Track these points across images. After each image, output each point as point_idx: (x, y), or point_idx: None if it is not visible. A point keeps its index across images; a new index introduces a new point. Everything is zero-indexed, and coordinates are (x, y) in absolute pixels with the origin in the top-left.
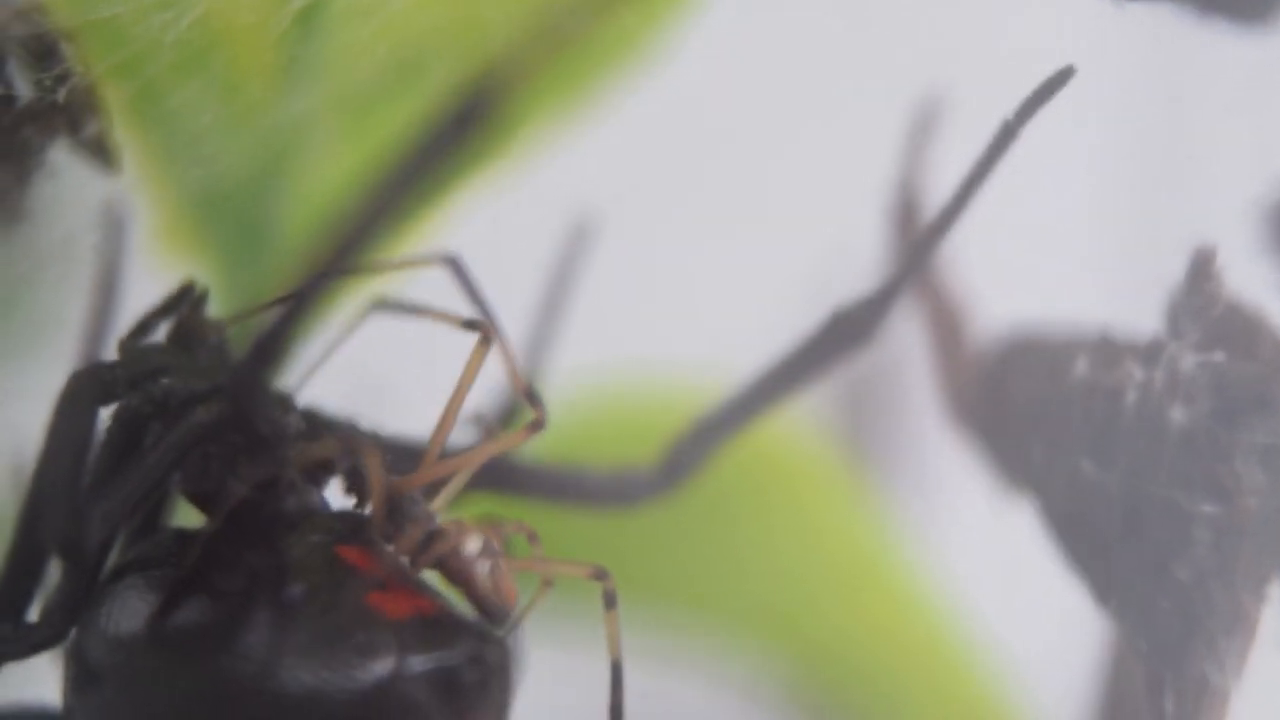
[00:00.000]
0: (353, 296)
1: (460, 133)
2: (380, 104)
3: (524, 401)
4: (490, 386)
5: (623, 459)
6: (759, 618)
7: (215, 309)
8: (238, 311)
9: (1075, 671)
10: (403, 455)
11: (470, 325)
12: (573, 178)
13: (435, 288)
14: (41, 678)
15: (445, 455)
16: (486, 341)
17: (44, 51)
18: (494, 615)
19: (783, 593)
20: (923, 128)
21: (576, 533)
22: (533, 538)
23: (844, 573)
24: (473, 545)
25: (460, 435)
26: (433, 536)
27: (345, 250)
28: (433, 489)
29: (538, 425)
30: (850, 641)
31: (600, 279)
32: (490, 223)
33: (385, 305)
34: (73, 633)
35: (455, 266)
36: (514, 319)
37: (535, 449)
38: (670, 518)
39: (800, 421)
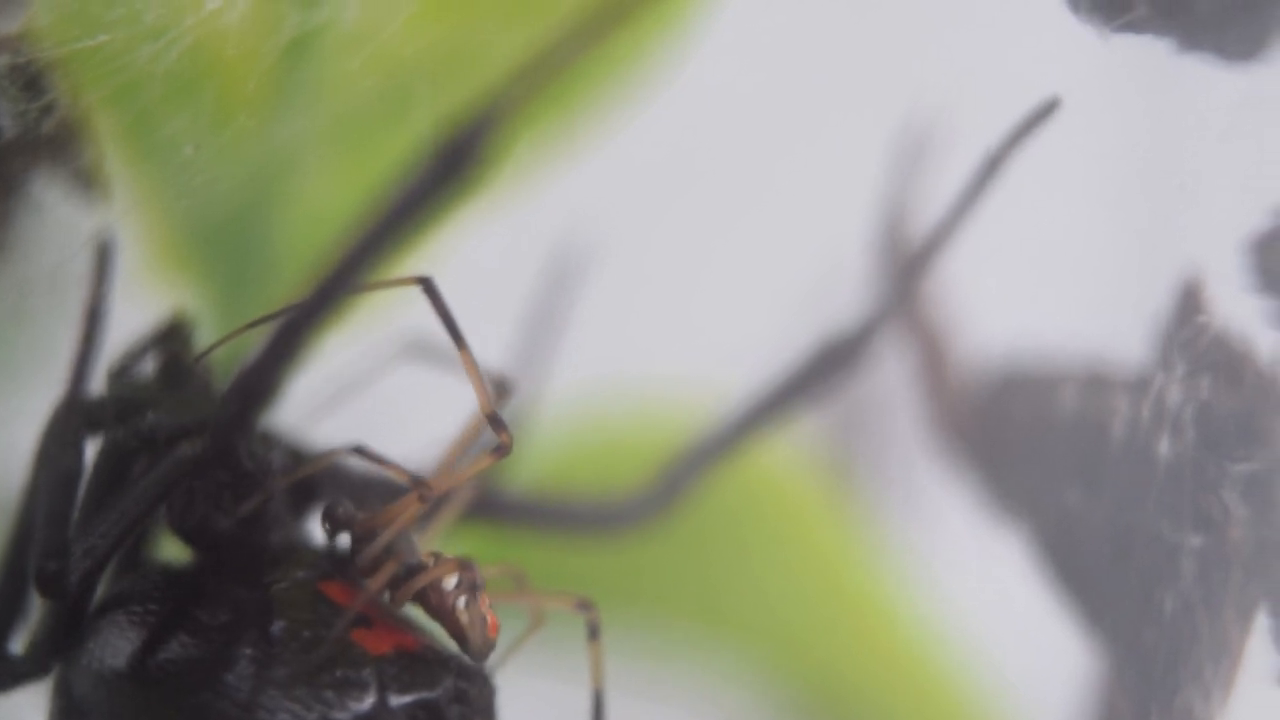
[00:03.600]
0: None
1: (454, 164)
2: (370, 134)
3: (488, 425)
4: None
5: (612, 481)
6: (748, 642)
7: (206, 338)
8: (218, 337)
9: (1063, 699)
10: (386, 492)
11: (490, 382)
12: (563, 201)
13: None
14: (24, 713)
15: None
16: (502, 451)
17: (29, 82)
18: (474, 649)
19: (772, 618)
20: (911, 155)
21: (566, 559)
22: (519, 580)
23: (833, 599)
24: (450, 579)
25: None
26: (412, 570)
27: (337, 280)
28: (421, 523)
29: (503, 450)
30: (839, 668)
31: (590, 302)
32: (481, 246)
33: (418, 350)
34: (57, 668)
35: (429, 286)
36: (504, 342)
37: (527, 471)
38: (660, 544)
39: (790, 448)
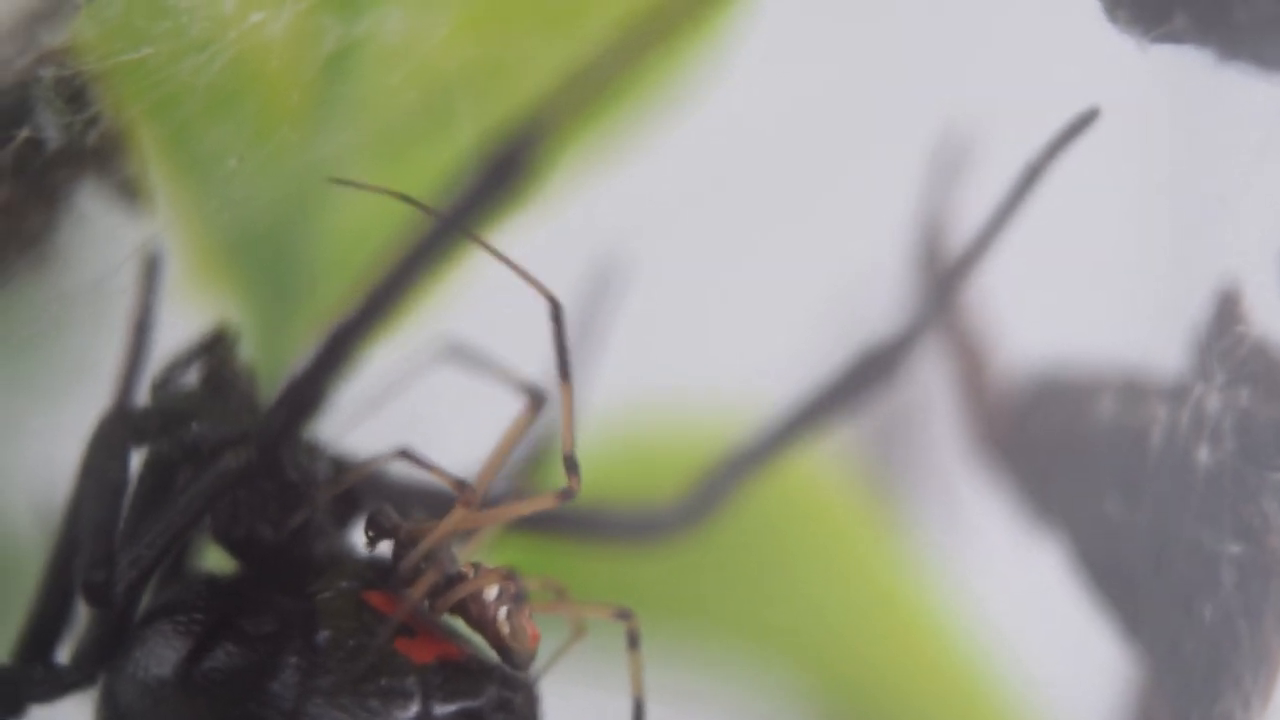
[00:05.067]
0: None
1: (502, 176)
2: (410, 147)
3: (562, 464)
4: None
5: (651, 491)
6: (786, 652)
7: (247, 350)
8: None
9: (1102, 708)
10: (429, 502)
11: (526, 390)
12: (601, 215)
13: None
14: None
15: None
16: (536, 407)
17: (74, 94)
18: (515, 659)
19: (810, 627)
20: (948, 166)
21: (605, 568)
22: (560, 593)
23: (871, 608)
24: (490, 590)
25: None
26: (452, 580)
27: (384, 291)
28: (465, 534)
29: (569, 494)
30: (877, 677)
31: (629, 314)
32: (519, 259)
33: (455, 352)
34: (103, 677)
35: (556, 310)
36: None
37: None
38: (699, 554)
39: (827, 458)
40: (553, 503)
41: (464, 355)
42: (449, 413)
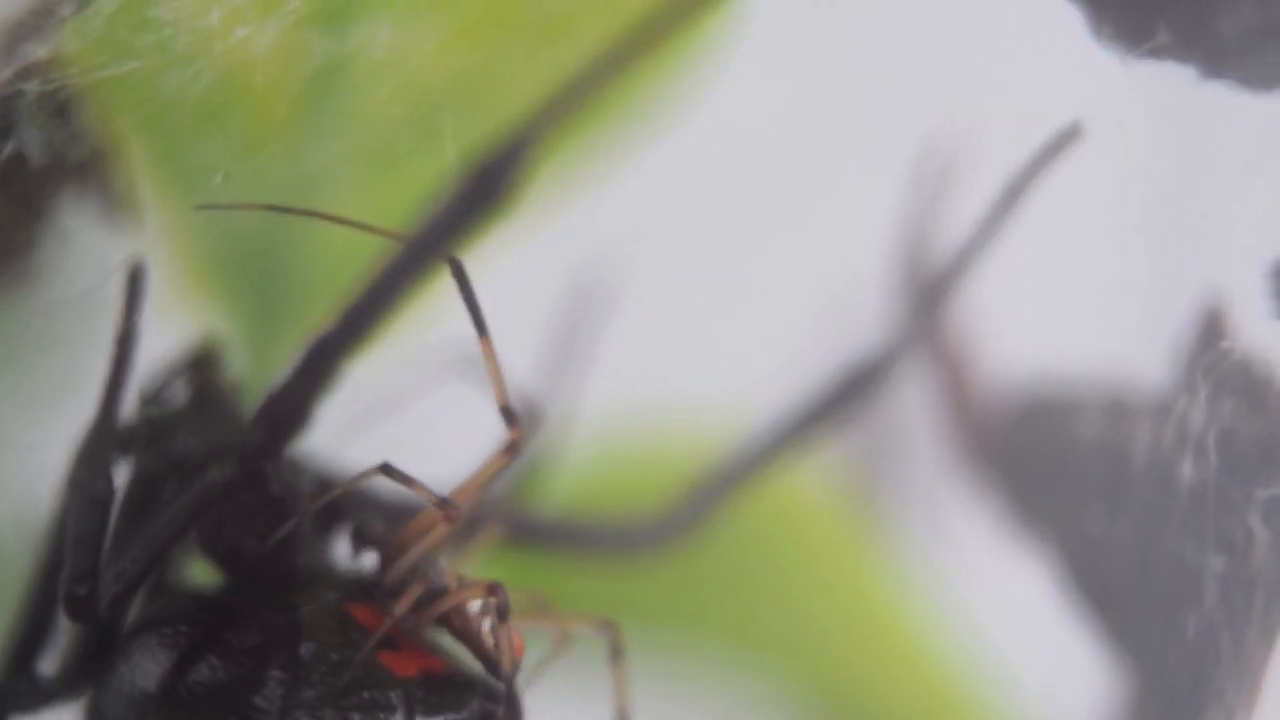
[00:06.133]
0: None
1: (485, 189)
2: (398, 160)
3: (501, 418)
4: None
5: (637, 504)
6: (773, 664)
7: (234, 363)
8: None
9: None
10: (413, 516)
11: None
12: (587, 228)
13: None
14: None
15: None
16: (514, 449)
17: (58, 109)
18: (499, 672)
19: (797, 640)
20: (933, 181)
21: (591, 582)
22: (544, 605)
23: (857, 620)
24: (475, 603)
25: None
26: (435, 593)
27: (367, 305)
28: (452, 548)
29: (514, 447)
30: (864, 689)
31: (615, 327)
32: (505, 272)
33: (450, 363)
34: (88, 689)
35: (458, 269)
36: (530, 366)
37: (552, 494)
38: (685, 567)
39: (813, 472)
40: (502, 460)
41: (458, 364)
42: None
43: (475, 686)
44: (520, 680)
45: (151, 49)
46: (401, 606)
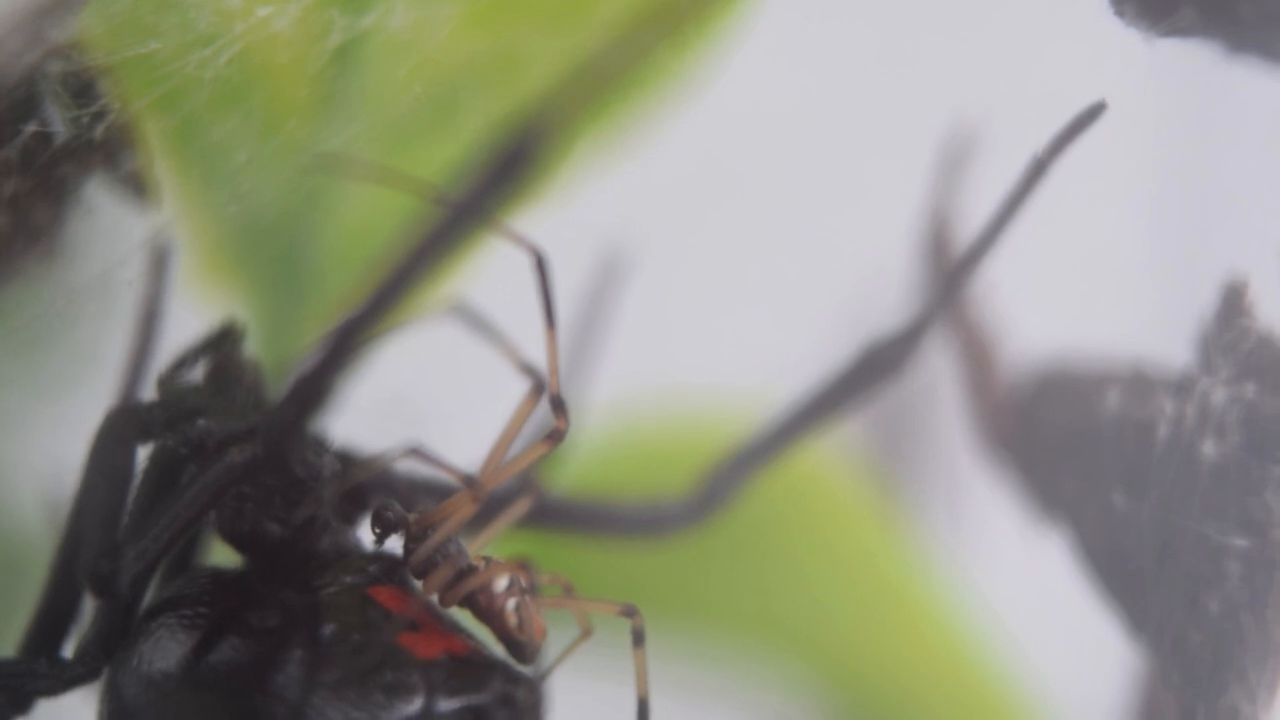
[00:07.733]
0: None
1: (509, 169)
2: (417, 139)
3: (551, 407)
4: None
5: (658, 486)
6: (793, 646)
7: (254, 344)
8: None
9: (1107, 702)
10: (435, 498)
11: (527, 371)
12: (606, 208)
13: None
14: (75, 715)
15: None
16: (538, 391)
17: (81, 88)
18: (521, 653)
19: (817, 622)
20: (955, 161)
21: (611, 564)
22: (567, 589)
23: (878, 603)
24: (501, 582)
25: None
26: (462, 574)
27: (392, 285)
28: (472, 527)
29: (558, 435)
30: (884, 672)
31: (634, 308)
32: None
33: (461, 311)
34: (107, 670)
35: (540, 262)
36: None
37: (572, 479)
38: (705, 549)
39: (834, 452)
40: (545, 448)
41: (468, 315)
42: (456, 407)
43: (497, 668)
44: (541, 663)
45: (173, 29)
46: (431, 588)
